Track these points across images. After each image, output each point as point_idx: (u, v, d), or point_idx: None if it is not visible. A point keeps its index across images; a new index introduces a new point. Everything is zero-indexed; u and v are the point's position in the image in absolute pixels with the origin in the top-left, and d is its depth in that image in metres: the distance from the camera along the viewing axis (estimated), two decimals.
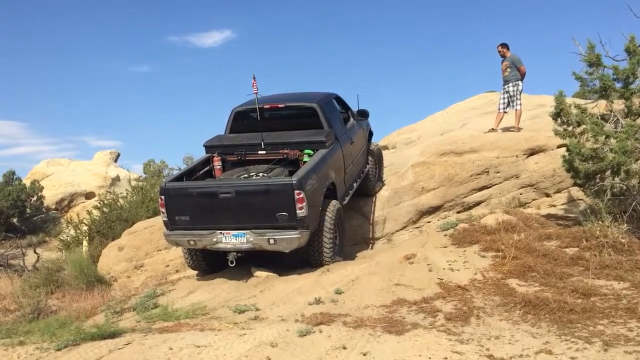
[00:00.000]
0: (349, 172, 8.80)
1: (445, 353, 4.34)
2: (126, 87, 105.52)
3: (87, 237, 13.05)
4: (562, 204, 9.59)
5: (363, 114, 9.96)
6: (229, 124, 8.83)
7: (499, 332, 4.80)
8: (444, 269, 6.50)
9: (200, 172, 8.09)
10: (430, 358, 4.28)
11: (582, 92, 9.91)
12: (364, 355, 4.37)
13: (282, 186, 6.89)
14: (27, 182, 25.48)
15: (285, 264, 7.59)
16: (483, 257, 6.80)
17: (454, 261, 6.72)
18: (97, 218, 13.47)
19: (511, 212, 8.56)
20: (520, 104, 11.15)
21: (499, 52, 11.30)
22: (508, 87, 11.17)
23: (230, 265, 7.20)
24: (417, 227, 9.96)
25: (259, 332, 4.99)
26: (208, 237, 7.12)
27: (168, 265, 9.64)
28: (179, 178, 7.77)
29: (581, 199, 9.08)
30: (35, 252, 15.99)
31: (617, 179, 7.32)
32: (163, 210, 7.32)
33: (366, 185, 10.04)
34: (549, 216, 8.79)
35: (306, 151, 7.92)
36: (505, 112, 11.30)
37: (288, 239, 6.87)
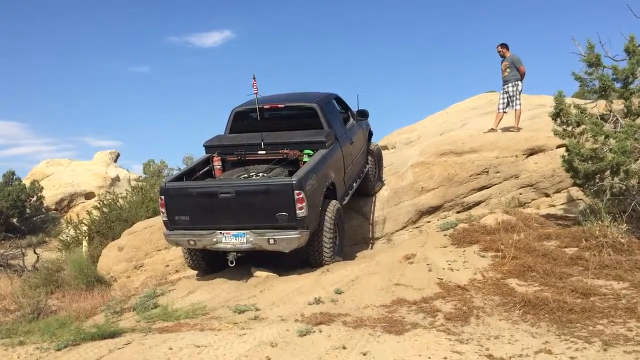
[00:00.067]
0: (348, 172, 8.81)
1: (445, 353, 4.34)
2: (126, 87, 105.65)
3: (86, 237, 13.05)
4: (562, 204, 9.60)
5: (363, 114, 9.96)
6: (228, 124, 8.83)
7: (498, 332, 4.80)
8: (443, 268, 6.50)
9: (200, 172, 8.09)
10: (430, 358, 4.29)
11: (581, 92, 9.92)
12: (364, 355, 4.38)
13: (282, 186, 6.89)
14: (27, 182, 25.48)
15: (285, 264, 7.59)
16: (483, 257, 6.81)
17: (454, 261, 6.72)
18: (96, 218, 13.48)
19: (511, 212, 8.56)
20: (520, 104, 11.16)
21: (499, 52, 11.30)
22: (507, 87, 11.17)
23: (230, 265, 7.20)
24: (417, 227, 9.96)
25: (258, 332, 5.00)
26: (208, 237, 7.12)
27: (168, 265, 9.64)
28: (179, 178, 7.78)
29: (581, 199, 9.08)
30: (35, 252, 15.99)
31: (616, 179, 7.32)
32: (163, 210, 7.32)
33: (366, 185, 10.05)
34: (548, 216, 8.79)
35: (306, 151, 7.92)
36: (504, 112, 11.31)
37: (288, 239, 6.87)
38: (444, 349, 4.42)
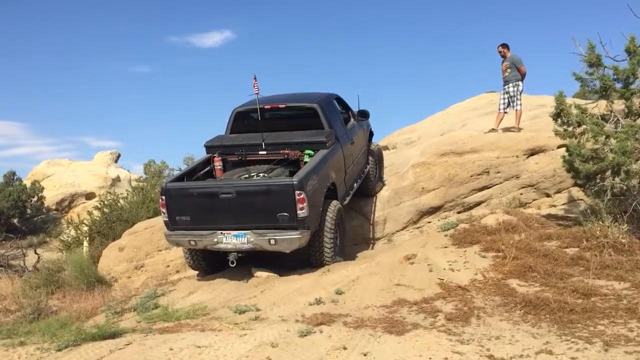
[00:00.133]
0: (349, 172, 8.81)
1: (446, 353, 4.34)
2: (126, 87, 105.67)
3: (87, 238, 13.06)
4: (563, 204, 9.59)
5: (363, 115, 9.97)
6: (229, 124, 8.83)
7: (499, 333, 4.80)
8: (444, 269, 6.50)
9: (201, 173, 8.10)
10: (430, 358, 4.29)
11: (582, 92, 9.91)
12: (365, 355, 4.38)
13: (283, 186, 6.89)
14: (27, 182, 25.50)
15: (285, 264, 7.59)
16: (483, 257, 6.81)
17: (455, 261, 6.72)
18: (97, 218, 13.49)
19: (511, 212, 8.56)
20: (521, 104, 11.15)
21: (500, 52, 11.30)
22: (508, 87, 11.17)
23: (231, 265, 7.20)
24: (418, 228, 9.96)
25: (259, 332, 5.00)
26: (209, 238, 7.12)
27: (168, 266, 9.65)
28: (179, 178, 7.78)
29: (581, 199, 9.08)
30: (35, 253, 16.02)
31: (617, 179, 7.32)
32: (164, 211, 7.33)
33: (367, 185, 10.04)
34: (549, 216, 8.79)
35: (307, 151, 7.92)
36: (505, 113, 11.30)
37: (289, 240, 6.87)
38: (444, 350, 4.41)
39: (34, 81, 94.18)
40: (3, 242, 20.28)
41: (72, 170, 28.29)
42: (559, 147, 9.46)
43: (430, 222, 9.96)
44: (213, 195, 7.13)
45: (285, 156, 7.97)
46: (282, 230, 6.90)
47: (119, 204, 13.96)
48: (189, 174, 7.91)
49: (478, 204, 9.96)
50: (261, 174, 7.71)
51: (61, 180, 26.99)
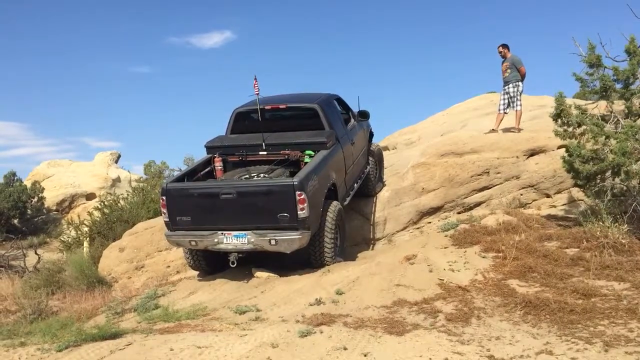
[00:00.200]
0: (349, 172, 8.81)
1: (446, 354, 4.34)
2: (126, 87, 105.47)
3: (87, 238, 13.07)
4: (563, 205, 9.59)
5: (364, 115, 9.98)
6: (230, 124, 8.84)
7: (499, 333, 4.80)
8: (444, 269, 6.50)
9: (202, 173, 8.10)
10: (431, 359, 4.29)
11: (582, 92, 9.90)
12: (365, 356, 4.38)
13: (283, 187, 6.90)
14: (27, 183, 25.54)
15: (286, 264, 7.60)
16: (483, 257, 6.81)
17: (455, 262, 6.72)
18: (97, 219, 13.49)
19: (512, 212, 8.56)
20: (521, 105, 11.16)
21: (500, 52, 11.31)
22: (508, 87, 11.18)
23: (232, 266, 7.21)
24: (418, 228, 9.96)
25: (259, 332, 5.00)
26: (209, 238, 7.13)
27: (169, 266, 9.65)
28: (180, 179, 7.79)
29: (582, 200, 9.07)
30: (36, 253, 16.01)
31: (617, 180, 7.32)
32: (164, 211, 7.33)
33: (367, 185, 10.05)
34: (549, 217, 8.79)
35: (307, 152, 7.93)
36: (505, 113, 11.31)
37: (289, 240, 6.88)
38: (445, 350, 4.41)
39: (34, 81, 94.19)
40: (3, 242, 20.29)
41: (72, 171, 28.32)
42: (559, 147, 9.46)
43: (430, 222, 9.96)
44: (214, 196, 7.13)
45: (286, 157, 7.98)
46: (283, 230, 6.91)
47: (119, 204, 13.96)
48: (190, 175, 7.91)
49: (478, 204, 9.96)
50: (262, 175, 7.72)
51: (61, 180, 27.02)
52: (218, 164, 8.26)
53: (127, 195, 14.55)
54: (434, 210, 10.03)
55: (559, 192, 9.80)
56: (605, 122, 7.65)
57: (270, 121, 8.57)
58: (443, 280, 6.22)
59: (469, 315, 5.25)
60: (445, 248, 7.36)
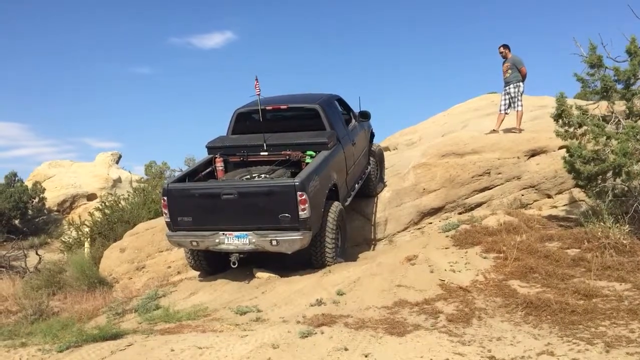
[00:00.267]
0: (351, 173, 8.81)
1: (447, 354, 4.34)
2: (127, 88, 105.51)
3: (88, 239, 13.09)
4: (564, 205, 9.58)
5: (365, 115, 9.97)
6: (231, 125, 8.85)
7: (500, 334, 4.80)
8: (445, 270, 6.50)
9: (203, 173, 8.10)
10: (432, 359, 4.28)
11: (583, 93, 9.92)
12: (366, 356, 4.37)
13: (284, 187, 6.90)
14: (28, 183, 25.57)
15: (287, 265, 7.59)
16: (484, 258, 6.81)
17: (456, 262, 6.72)
18: (98, 219, 13.51)
19: (513, 213, 8.56)
20: (522, 105, 11.15)
21: (501, 53, 11.30)
22: (509, 88, 11.18)
23: (233, 266, 7.21)
24: (419, 229, 9.96)
25: (260, 333, 5.00)
26: (210, 238, 7.13)
27: (170, 267, 9.65)
28: (181, 179, 7.79)
29: (583, 200, 9.07)
30: (37, 254, 16.02)
31: (618, 181, 7.32)
32: (165, 211, 7.34)
33: (368, 186, 10.04)
34: (550, 217, 8.79)
35: (308, 152, 7.92)
36: (506, 114, 11.31)
37: (290, 240, 6.88)
38: (446, 351, 4.41)
39: (35, 82, 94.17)
40: (4, 243, 20.31)
41: (73, 172, 28.34)
42: (560, 148, 9.45)
43: (431, 223, 9.95)
44: (215, 196, 7.13)
45: (287, 157, 7.98)
46: (284, 231, 6.90)
47: (120, 205, 13.98)
48: (191, 175, 7.91)
49: (479, 205, 9.96)
50: (263, 175, 7.72)
51: (62, 181, 27.04)
52: (219, 165, 8.27)
53: (128, 195, 14.57)
54: (435, 211, 10.03)
55: (560, 192, 9.80)
56: (606, 122, 7.65)
57: (271, 122, 8.57)
58: (444, 280, 6.21)
59: (470, 316, 5.25)
60: (446, 249, 7.36)
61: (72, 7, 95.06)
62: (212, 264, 7.99)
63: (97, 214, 13.78)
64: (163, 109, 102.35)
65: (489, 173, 10.01)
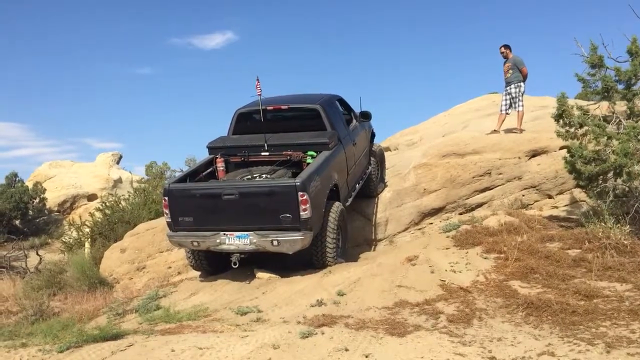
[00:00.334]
0: (351, 173, 8.81)
1: (448, 355, 4.33)
2: (128, 88, 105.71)
3: (89, 239, 13.09)
4: (565, 206, 9.58)
5: (365, 116, 9.96)
6: (232, 125, 8.85)
7: (501, 334, 4.79)
8: (446, 270, 6.50)
9: (204, 174, 8.10)
10: None
11: (584, 93, 9.92)
12: (366, 357, 4.37)
13: (285, 188, 6.89)
14: (29, 184, 25.57)
15: (287, 265, 7.59)
16: (485, 258, 6.80)
17: (456, 263, 6.72)
18: (99, 220, 13.51)
19: (513, 213, 8.56)
20: (523, 106, 11.15)
21: (502, 53, 11.30)
22: (510, 88, 11.17)
23: (234, 266, 7.20)
24: (419, 229, 9.95)
25: (261, 333, 4.99)
26: (211, 239, 7.12)
27: (170, 267, 9.65)
28: (182, 179, 7.79)
29: (584, 201, 9.06)
30: (37, 254, 16.04)
31: (619, 181, 7.31)
32: (167, 212, 7.34)
33: (368, 186, 10.04)
34: (551, 218, 8.78)
35: (309, 153, 7.92)
36: (507, 114, 11.30)
37: (291, 241, 6.87)
38: (446, 351, 4.41)
39: (35, 82, 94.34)
40: (5, 243, 20.33)
41: (74, 172, 28.35)
42: (561, 148, 9.45)
43: (432, 223, 9.95)
44: (216, 196, 7.13)
45: (288, 157, 7.97)
46: (285, 231, 6.90)
47: (120, 205, 13.98)
48: (192, 175, 7.91)
49: (480, 205, 9.95)
50: (264, 175, 7.72)
51: (63, 181, 27.05)
52: (220, 165, 8.26)
53: (129, 196, 14.58)
54: (435, 211, 10.02)
55: (561, 193, 9.79)
56: (607, 122, 7.64)
57: (272, 122, 8.56)
58: (445, 281, 6.21)
59: (471, 317, 5.25)
60: (446, 249, 7.36)
61: (72, 7, 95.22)
62: (213, 264, 7.99)
63: (98, 215, 13.79)
64: (164, 109, 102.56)
65: (490, 173, 10.00)
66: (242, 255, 7.25)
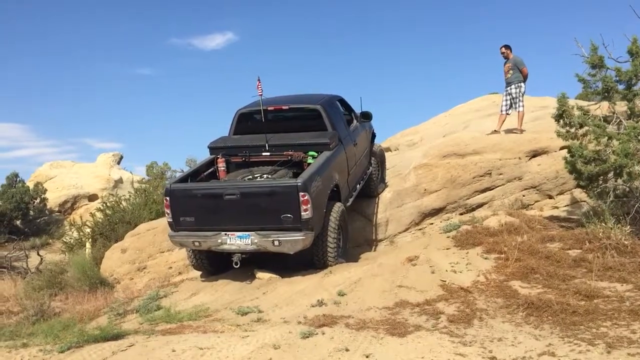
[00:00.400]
0: (352, 174, 8.81)
1: (448, 355, 4.34)
2: (129, 89, 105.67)
3: (90, 239, 13.09)
4: (565, 206, 9.58)
5: (366, 116, 9.97)
6: (233, 125, 8.86)
7: (501, 334, 4.80)
8: (446, 270, 6.50)
9: (205, 174, 8.10)
10: None
11: (584, 93, 9.92)
12: (367, 357, 4.37)
13: (286, 188, 6.90)
14: (30, 184, 25.58)
15: (288, 265, 7.59)
16: (486, 259, 6.80)
17: (457, 263, 6.72)
18: (100, 220, 13.51)
19: (514, 213, 8.56)
20: (523, 106, 11.15)
21: (502, 53, 11.31)
22: (510, 88, 11.17)
23: (235, 266, 7.21)
24: (420, 229, 9.95)
25: (261, 334, 5.00)
26: (213, 239, 7.13)
27: (171, 267, 9.65)
28: (183, 179, 7.80)
29: (584, 201, 9.06)
30: (38, 254, 16.05)
31: (620, 181, 7.31)
32: (168, 212, 7.35)
33: (369, 186, 10.04)
34: (551, 218, 8.78)
35: (310, 153, 7.93)
36: (507, 114, 11.30)
37: (292, 241, 6.88)
38: (447, 351, 4.41)
39: (36, 83, 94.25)
40: (6, 243, 20.33)
41: (74, 172, 28.35)
42: (562, 148, 9.44)
43: (432, 223, 9.95)
44: (217, 197, 7.14)
45: (289, 158, 7.98)
46: (286, 231, 6.91)
47: (121, 205, 13.99)
48: (193, 175, 7.92)
49: (480, 205, 9.95)
50: (265, 176, 7.72)
51: (64, 182, 27.06)
52: (221, 165, 8.26)
53: (129, 196, 14.59)
54: (436, 212, 10.02)
55: (561, 193, 9.80)
56: (607, 123, 7.64)
57: (273, 122, 8.57)
58: (445, 281, 6.21)
59: (471, 317, 5.25)
60: (447, 249, 7.36)
61: (72, 7, 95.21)
62: (214, 264, 8.00)
63: (99, 215, 13.79)
64: (164, 109, 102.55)
65: (490, 174, 10.00)
66: (243, 255, 7.25)
